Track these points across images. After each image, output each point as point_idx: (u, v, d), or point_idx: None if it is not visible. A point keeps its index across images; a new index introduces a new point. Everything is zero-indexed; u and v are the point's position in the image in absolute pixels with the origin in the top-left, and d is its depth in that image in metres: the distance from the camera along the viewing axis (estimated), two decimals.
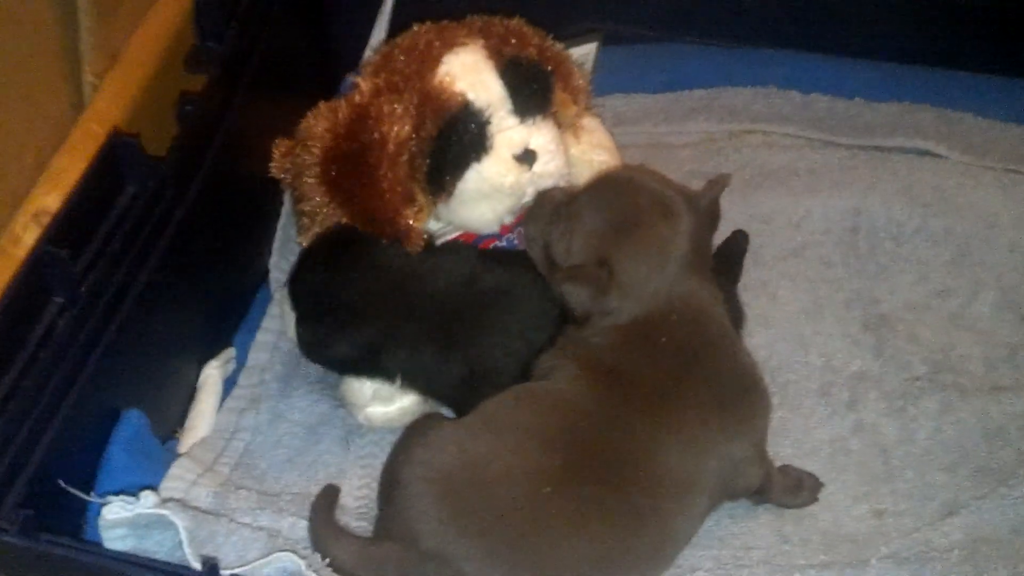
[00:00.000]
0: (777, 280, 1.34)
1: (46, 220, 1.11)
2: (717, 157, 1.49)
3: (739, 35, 1.62)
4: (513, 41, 1.22)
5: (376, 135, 1.14)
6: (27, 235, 1.11)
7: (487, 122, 1.17)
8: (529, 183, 1.19)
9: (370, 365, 1.15)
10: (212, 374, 1.23)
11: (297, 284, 1.17)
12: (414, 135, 1.15)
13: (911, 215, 1.39)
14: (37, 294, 0.98)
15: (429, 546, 0.97)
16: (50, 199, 1.14)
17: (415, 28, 1.24)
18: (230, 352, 1.28)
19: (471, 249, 1.19)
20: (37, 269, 0.97)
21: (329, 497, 1.05)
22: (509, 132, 1.18)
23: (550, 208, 1.13)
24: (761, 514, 1.14)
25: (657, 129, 1.55)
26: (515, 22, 1.26)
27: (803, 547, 1.11)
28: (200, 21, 1.27)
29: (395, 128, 1.14)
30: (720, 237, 1.36)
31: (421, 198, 1.17)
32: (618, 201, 1.08)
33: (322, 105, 1.24)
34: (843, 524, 1.13)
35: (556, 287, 1.07)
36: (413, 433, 1.05)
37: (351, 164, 1.15)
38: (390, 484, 1.03)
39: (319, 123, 1.20)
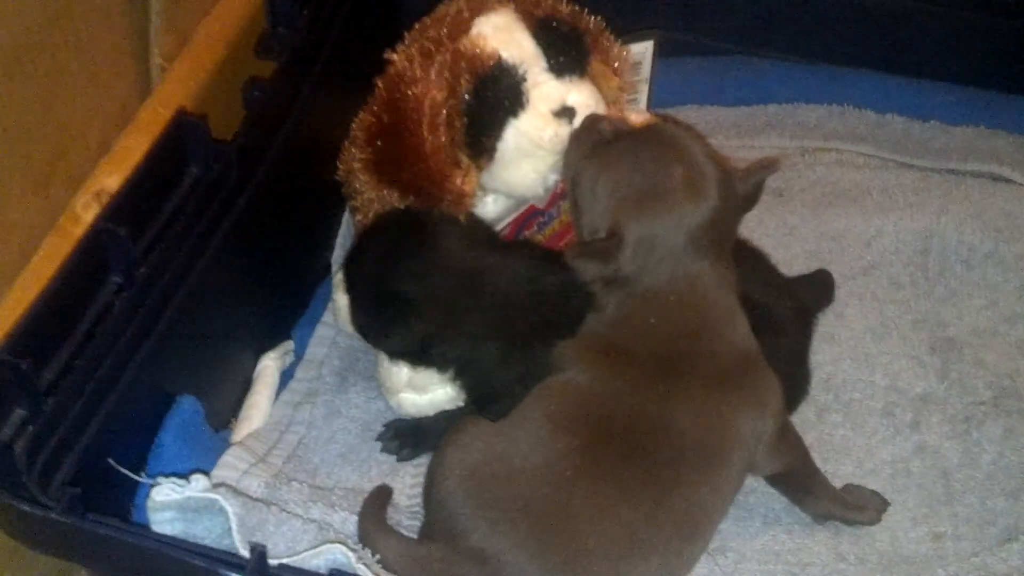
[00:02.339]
0: (845, 298, 1.32)
1: (107, 200, 1.12)
2: (790, 174, 1.47)
3: (816, 52, 1.60)
4: (544, 5, 1.22)
5: (412, 101, 1.13)
6: (87, 214, 1.11)
7: (522, 78, 1.15)
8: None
9: (424, 356, 1.14)
10: (269, 365, 1.23)
11: (353, 268, 1.16)
12: (450, 97, 1.14)
13: (983, 240, 1.36)
14: (95, 271, 0.98)
15: (467, 544, 0.96)
16: (112, 179, 1.14)
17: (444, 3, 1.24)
18: (288, 345, 1.29)
19: (535, 247, 1.18)
20: (95, 245, 0.97)
21: (381, 495, 1.05)
22: (545, 87, 1.16)
23: (592, 139, 1.10)
24: (818, 531, 1.11)
25: (729, 143, 1.53)
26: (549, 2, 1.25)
27: (860, 566, 1.08)
28: (272, 6, 1.27)
29: (430, 91, 1.13)
30: (790, 255, 1.36)
31: (465, 160, 1.16)
32: (653, 166, 1.04)
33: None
34: (901, 545, 1.10)
35: (567, 259, 1.05)
36: (449, 436, 1.04)
37: (392, 135, 1.15)
38: (428, 486, 1.03)
39: (363, 112, 1.22)
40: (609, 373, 1.02)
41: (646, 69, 1.39)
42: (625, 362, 1.02)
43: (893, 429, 1.20)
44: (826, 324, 1.29)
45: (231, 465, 1.07)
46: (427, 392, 1.18)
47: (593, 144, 1.09)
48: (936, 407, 1.22)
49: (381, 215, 1.18)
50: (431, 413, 1.18)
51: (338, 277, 1.27)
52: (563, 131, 1.14)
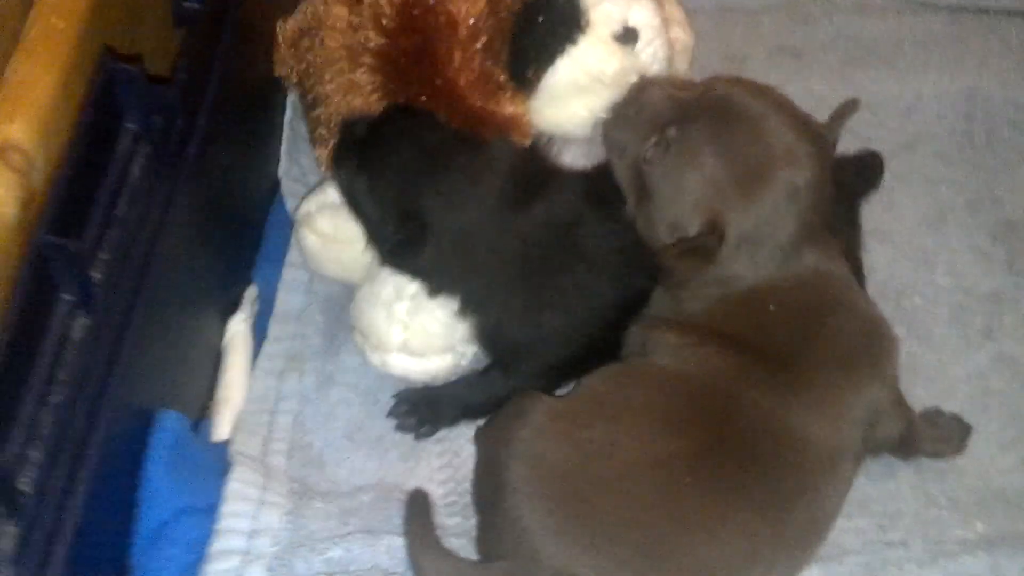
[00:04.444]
0: (891, 182, 1.17)
1: (17, 160, 0.88)
2: (805, 27, 1.30)
3: None
4: None
5: (442, 18, 0.92)
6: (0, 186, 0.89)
7: None
8: (633, 70, 0.98)
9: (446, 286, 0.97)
10: (239, 330, 1.04)
11: (367, 169, 0.96)
12: (490, 15, 0.93)
13: None
14: (45, 293, 0.77)
15: (552, 565, 0.80)
16: (15, 128, 0.89)
17: None
18: (252, 293, 1.08)
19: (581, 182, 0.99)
20: (42, 265, 0.75)
21: (421, 508, 0.88)
22: (606, 5, 0.97)
23: (650, 117, 0.93)
24: (901, 472, 1.00)
25: None
26: None
27: (953, 510, 0.97)
28: None
29: (465, 6, 0.92)
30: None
31: (510, 86, 0.95)
32: (745, 143, 0.89)
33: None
34: (992, 479, 1.00)
35: (662, 260, 0.90)
36: (511, 417, 0.87)
37: (416, 58, 0.93)
38: (492, 485, 0.85)
39: (337, 10, 0.99)
40: (719, 364, 0.87)
41: None
42: (736, 352, 0.88)
43: (964, 339, 1.08)
44: (875, 217, 1.14)
45: (241, 499, 0.88)
46: (424, 358, 1.01)
47: (653, 123, 0.92)
48: (1009, 306, 1.10)
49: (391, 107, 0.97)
50: (421, 382, 1.01)
51: (304, 211, 1.07)
52: (627, 63, 0.96)
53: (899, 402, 0.95)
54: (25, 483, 0.72)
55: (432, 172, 0.93)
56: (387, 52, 0.94)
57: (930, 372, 1.06)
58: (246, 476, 0.90)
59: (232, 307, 1.06)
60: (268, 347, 1.05)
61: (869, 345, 0.92)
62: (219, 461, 0.93)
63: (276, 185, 1.17)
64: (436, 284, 0.97)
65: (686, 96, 0.93)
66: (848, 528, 0.95)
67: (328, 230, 1.05)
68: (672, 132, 0.90)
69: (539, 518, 0.81)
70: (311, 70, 1.05)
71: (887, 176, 1.17)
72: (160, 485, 0.84)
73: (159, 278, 0.85)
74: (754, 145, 0.89)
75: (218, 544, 0.85)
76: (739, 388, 0.86)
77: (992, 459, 1.01)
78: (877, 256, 1.12)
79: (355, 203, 0.97)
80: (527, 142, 0.95)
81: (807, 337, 0.89)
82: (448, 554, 0.85)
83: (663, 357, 0.89)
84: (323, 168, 1.07)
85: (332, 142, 1.01)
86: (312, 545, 0.86)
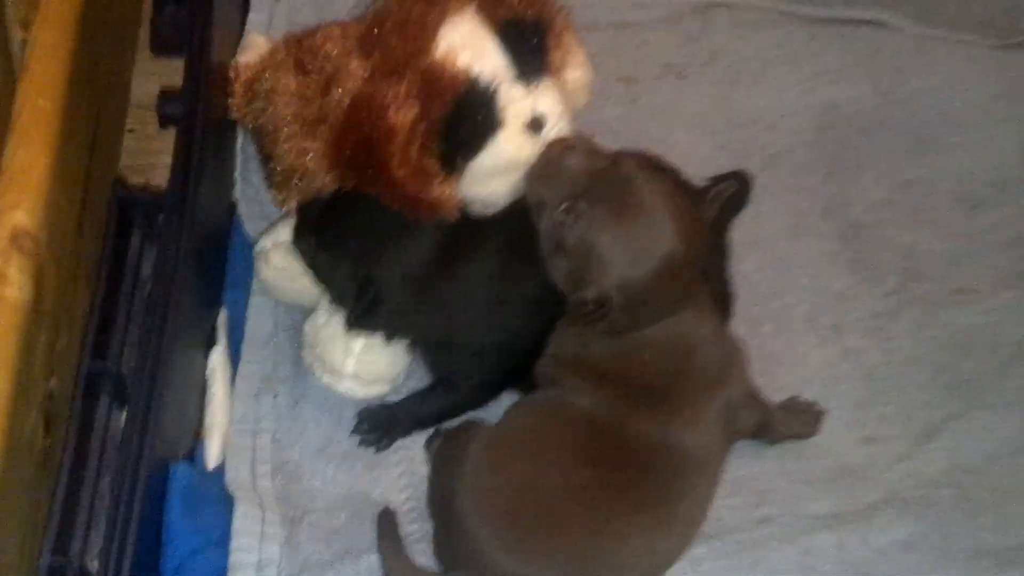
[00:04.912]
0: (760, 194, 1.36)
1: (28, 244, 1.03)
2: (688, 45, 1.47)
3: None
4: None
5: (383, 125, 1.07)
6: (11, 267, 1.01)
7: (495, 95, 1.10)
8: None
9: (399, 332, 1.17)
10: (220, 363, 1.20)
11: (320, 249, 1.14)
12: (422, 119, 1.08)
13: (875, 106, 1.43)
14: (90, 410, 0.93)
15: (501, 571, 1.04)
16: (21, 214, 1.04)
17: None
18: (223, 318, 1.24)
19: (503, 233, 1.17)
20: (91, 386, 0.91)
21: (390, 527, 1.09)
22: (518, 103, 1.12)
23: (566, 182, 1.09)
24: (767, 455, 1.22)
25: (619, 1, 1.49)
26: None
27: (808, 486, 1.21)
28: None
29: (402, 114, 1.07)
30: (704, 150, 1.38)
31: (440, 172, 1.11)
32: (637, 226, 1.06)
33: (278, 50, 1.18)
34: (840, 455, 1.23)
35: (564, 326, 1.11)
36: (456, 452, 1.09)
37: (361, 154, 1.09)
38: (445, 511, 1.08)
39: (286, 80, 1.14)
40: (612, 402, 1.07)
41: None
42: (625, 391, 1.08)
43: (817, 335, 1.30)
44: (745, 228, 1.34)
45: (246, 534, 1.07)
46: (370, 386, 1.20)
47: (571, 187, 1.07)
48: (853, 304, 1.32)
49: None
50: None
51: (259, 248, 1.22)
52: (536, 145, 1.11)
53: (752, 396, 1.17)
54: (92, 559, 0.90)
55: (378, 249, 1.11)
56: (336, 145, 1.10)
57: (791, 363, 1.28)
58: (246, 511, 1.09)
59: (210, 336, 1.21)
60: (243, 369, 1.22)
61: (720, 367, 1.12)
62: (223, 490, 1.11)
63: (232, 207, 1.31)
64: (390, 334, 1.16)
65: (598, 167, 1.09)
66: (728, 506, 1.18)
67: (283, 265, 1.21)
68: (582, 205, 1.07)
69: (487, 535, 1.04)
70: (266, 126, 1.18)
71: (757, 189, 1.35)
72: (178, 528, 1.03)
73: (170, 345, 1.02)
74: (644, 228, 1.05)
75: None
76: (630, 420, 1.07)
77: (840, 438, 1.24)
78: (748, 263, 1.32)
79: (316, 275, 1.15)
80: (454, 217, 1.11)
81: (678, 374, 1.10)
82: (417, 568, 1.07)
83: (569, 394, 1.09)
84: (278, 206, 1.22)
85: (289, 202, 1.16)
86: (308, 570, 1.07)
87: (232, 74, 1.21)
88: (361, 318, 1.13)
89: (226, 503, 1.10)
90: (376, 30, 1.12)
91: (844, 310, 1.32)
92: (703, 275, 1.16)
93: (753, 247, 1.34)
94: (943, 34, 1.49)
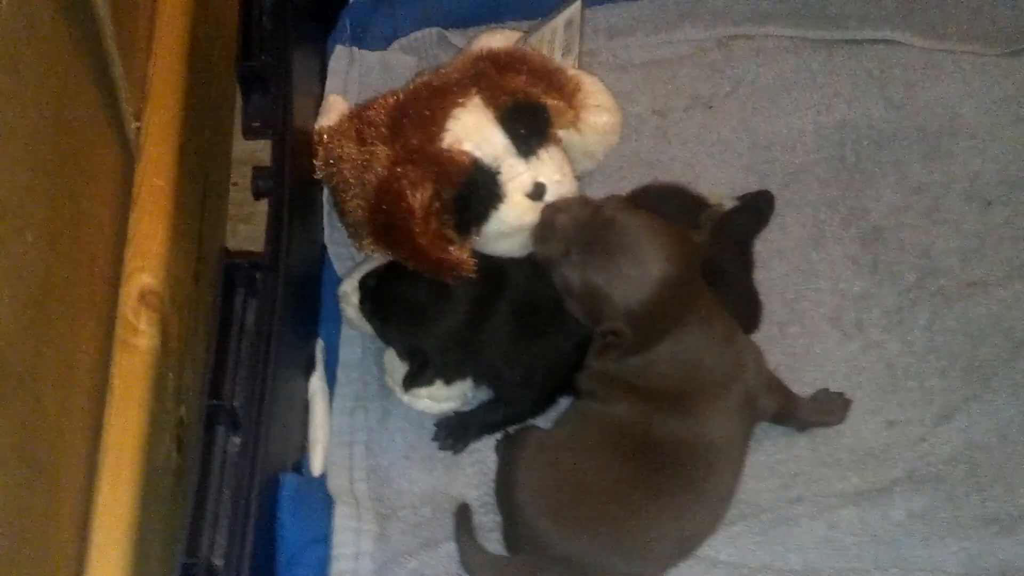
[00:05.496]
0: (783, 209, 1.52)
1: (154, 300, 1.23)
2: (714, 77, 1.63)
3: None
4: (506, 82, 1.34)
5: (403, 206, 1.26)
6: (141, 321, 1.21)
7: (497, 174, 1.30)
8: None
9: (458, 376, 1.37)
10: (319, 386, 1.40)
11: (383, 318, 1.35)
12: (435, 199, 1.27)
13: (888, 119, 1.56)
14: (212, 436, 1.15)
15: (555, 552, 1.22)
16: (147, 276, 1.24)
17: (413, 85, 1.38)
18: (320, 347, 1.45)
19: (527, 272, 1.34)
20: (210, 418, 1.12)
21: (465, 519, 1.29)
22: (519, 178, 1.31)
23: (560, 238, 1.24)
24: (799, 441, 1.38)
25: (649, 40, 1.66)
26: (503, 52, 1.39)
27: (836, 467, 1.36)
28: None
29: (418, 197, 1.26)
30: (731, 172, 1.54)
31: (457, 239, 1.31)
32: (627, 261, 1.20)
33: (344, 120, 1.39)
34: (864, 439, 1.38)
35: (590, 362, 1.25)
36: (515, 454, 1.28)
37: (387, 230, 1.29)
38: (507, 504, 1.27)
39: (348, 149, 1.35)
40: (644, 408, 1.25)
41: (576, 26, 1.51)
42: (654, 400, 1.25)
43: (841, 332, 1.45)
44: (771, 239, 1.50)
45: (345, 530, 1.28)
46: (445, 404, 1.40)
47: (564, 244, 1.23)
48: (873, 302, 1.47)
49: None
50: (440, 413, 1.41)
51: (342, 290, 1.42)
52: (538, 209, 1.30)
53: (771, 383, 1.33)
54: (218, 558, 1.11)
55: (418, 321, 1.31)
56: (369, 219, 1.31)
57: (818, 359, 1.43)
58: (345, 511, 1.30)
59: (310, 363, 1.42)
60: (339, 390, 1.42)
61: (732, 365, 1.28)
62: (326, 494, 1.32)
63: (323, 250, 1.51)
64: (449, 380, 1.37)
65: (584, 216, 1.24)
66: (762, 489, 1.34)
67: (352, 312, 1.40)
68: (575, 255, 1.23)
69: (541, 522, 1.23)
70: (338, 185, 1.38)
71: (781, 204, 1.51)
72: (289, 528, 1.24)
73: (271, 382, 1.22)
74: (633, 261, 1.19)
75: (335, 567, 1.27)
76: (656, 422, 1.25)
77: (864, 423, 1.39)
78: (774, 271, 1.48)
79: (379, 337, 1.37)
80: (472, 274, 1.29)
81: (692, 378, 1.25)
82: (487, 553, 1.26)
83: (604, 403, 1.27)
84: (358, 251, 1.42)
85: (364, 248, 1.37)
86: (397, 560, 1.27)
87: (315, 138, 1.42)
88: (415, 380, 1.34)
89: (328, 505, 1.31)
90: (400, 119, 1.32)
91: (865, 308, 1.46)
92: (726, 285, 1.33)
93: (779, 256, 1.49)
94: (951, 47, 1.61)
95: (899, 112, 1.57)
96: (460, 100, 1.31)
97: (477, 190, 1.28)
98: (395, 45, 1.70)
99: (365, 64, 1.66)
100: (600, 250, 1.20)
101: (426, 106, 1.32)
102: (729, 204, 1.46)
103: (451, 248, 1.27)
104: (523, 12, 1.68)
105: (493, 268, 1.31)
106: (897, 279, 1.48)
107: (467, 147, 1.29)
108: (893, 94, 1.58)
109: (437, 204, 1.27)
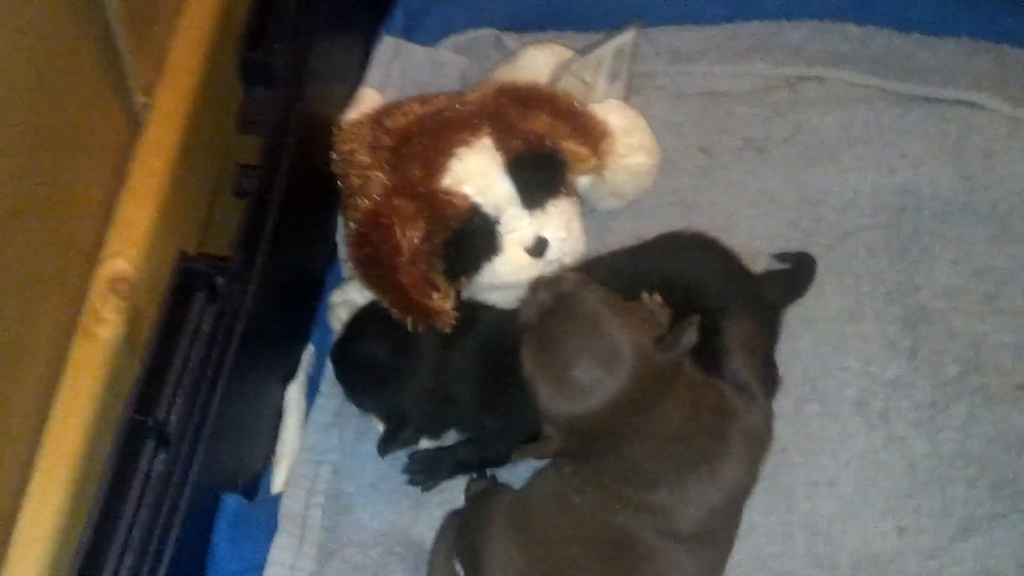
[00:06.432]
0: (824, 274, 1.38)
1: (124, 288, 1.16)
2: (773, 119, 1.50)
3: None
4: (523, 123, 1.23)
5: (391, 242, 1.18)
6: (106, 310, 1.15)
7: (496, 223, 1.21)
8: (544, 268, 1.24)
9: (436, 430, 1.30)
10: (295, 397, 1.33)
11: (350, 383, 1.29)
12: (426, 240, 1.19)
13: (957, 191, 1.43)
14: (129, 460, 1.07)
15: None
16: (122, 261, 1.18)
17: (426, 109, 1.27)
18: (309, 352, 1.37)
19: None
20: (131, 440, 1.06)
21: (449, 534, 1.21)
22: (519, 231, 1.22)
23: (534, 313, 1.09)
24: (797, 535, 1.26)
25: (712, 69, 1.54)
26: (527, 88, 1.29)
27: (833, 571, 1.24)
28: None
29: (407, 235, 1.18)
30: (772, 226, 1.41)
31: (444, 284, 1.22)
32: (563, 365, 1.03)
33: (363, 123, 1.30)
34: (871, 542, 1.26)
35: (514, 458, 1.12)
36: (490, 508, 1.18)
37: (371, 262, 1.21)
38: (475, 559, 1.17)
39: (360, 155, 1.27)
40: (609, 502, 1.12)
41: (626, 55, 1.40)
42: (619, 498, 1.12)
43: (864, 419, 1.32)
44: (806, 305, 1.37)
45: (276, 562, 1.21)
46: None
47: (540, 315, 1.07)
48: (905, 392, 1.33)
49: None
50: None
51: (330, 300, 1.36)
52: (537, 267, 1.20)
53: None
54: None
55: (390, 379, 1.24)
56: (355, 245, 1.22)
57: (831, 445, 1.30)
58: (284, 543, 1.22)
59: (290, 371, 1.34)
60: (320, 402, 1.34)
61: (711, 442, 1.11)
62: (274, 517, 1.25)
63: (335, 249, 1.42)
64: (434, 434, 1.30)
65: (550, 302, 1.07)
66: None
67: (341, 324, 1.33)
68: (530, 341, 1.06)
69: None
70: (345, 187, 1.30)
71: (822, 268, 1.38)
72: (222, 553, 1.16)
73: (226, 395, 1.15)
74: (573, 372, 1.02)
75: None
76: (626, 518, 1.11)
77: (873, 525, 1.26)
78: (803, 341, 1.35)
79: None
80: (448, 328, 1.20)
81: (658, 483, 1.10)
82: None
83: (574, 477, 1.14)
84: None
85: None
86: None
87: (335, 130, 1.33)
88: (391, 443, 1.26)
89: (273, 531, 1.23)
90: (404, 147, 1.23)
91: (895, 397, 1.33)
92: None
93: (810, 326, 1.36)
94: None
95: (970, 184, 1.43)
96: (469, 138, 1.22)
97: (471, 238, 1.20)
98: (447, 42, 1.61)
99: (411, 59, 1.57)
100: (545, 344, 1.04)
101: (432, 139, 1.23)
102: (763, 262, 1.34)
103: (434, 295, 1.19)
104: (585, 23, 1.57)
105: (463, 309, 1.23)
106: (937, 370, 1.35)
107: (467, 190, 1.20)
108: (967, 163, 1.44)
109: (427, 246, 1.18)
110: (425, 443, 1.31)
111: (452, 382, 1.23)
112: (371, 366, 1.24)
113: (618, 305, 1.06)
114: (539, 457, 1.14)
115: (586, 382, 1.02)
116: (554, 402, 1.04)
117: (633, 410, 1.04)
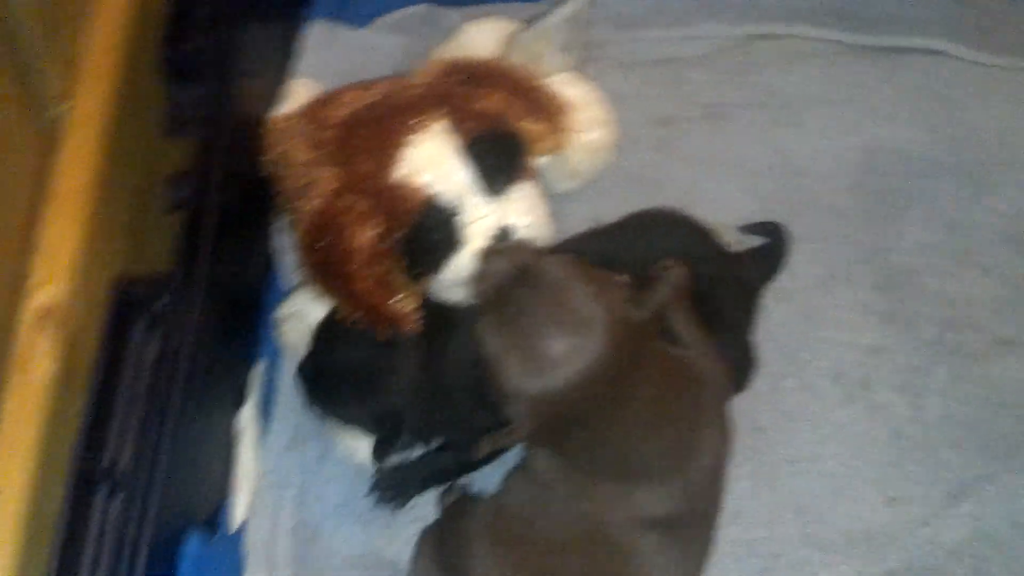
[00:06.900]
0: (793, 242, 1.33)
1: (57, 320, 1.07)
2: (733, 81, 1.44)
3: None
4: (477, 103, 1.16)
5: (343, 246, 1.11)
6: (39, 345, 1.06)
7: (456, 215, 1.13)
8: None
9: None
10: (249, 423, 1.26)
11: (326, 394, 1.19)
12: (382, 237, 1.11)
13: (923, 144, 1.38)
14: (81, 512, 1.00)
15: None
16: (49, 292, 1.08)
17: (370, 96, 1.18)
18: (259, 371, 1.30)
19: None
20: (78, 491, 0.99)
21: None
22: (481, 221, 1.14)
23: (488, 286, 1.01)
24: (787, 516, 1.22)
25: (667, 33, 1.48)
26: (479, 66, 1.21)
27: (824, 552, 1.20)
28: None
29: (360, 236, 1.10)
30: (739, 195, 1.36)
31: (404, 286, 1.14)
32: (530, 341, 0.95)
33: (295, 117, 1.22)
34: (861, 515, 1.21)
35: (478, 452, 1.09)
36: (467, 524, 1.12)
37: (324, 268, 1.14)
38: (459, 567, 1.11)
39: (295, 152, 1.18)
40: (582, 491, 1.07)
41: (581, 23, 1.33)
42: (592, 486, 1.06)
43: (843, 390, 1.27)
44: (778, 279, 1.32)
45: None
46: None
47: (488, 293, 0.99)
48: (884, 358, 1.29)
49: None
50: None
51: (276, 315, 1.29)
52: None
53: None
54: None
55: (379, 378, 1.15)
56: (305, 250, 1.15)
57: (812, 420, 1.25)
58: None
59: (239, 396, 1.27)
60: (276, 424, 1.27)
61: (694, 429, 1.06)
62: (239, 552, 1.18)
63: (270, 259, 1.35)
64: (427, 439, 1.21)
65: (518, 268, 0.99)
66: (736, 569, 1.19)
67: (295, 337, 1.25)
68: (488, 317, 0.98)
69: None
70: (284, 189, 1.23)
71: (792, 237, 1.33)
72: None
73: (176, 432, 1.08)
74: (542, 345, 0.94)
75: None
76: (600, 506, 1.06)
77: (863, 499, 1.22)
78: (777, 315, 1.29)
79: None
80: (415, 331, 1.12)
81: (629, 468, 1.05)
82: None
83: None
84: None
85: None
86: None
87: (264, 129, 1.26)
88: (388, 446, 1.18)
89: (240, 569, 1.17)
90: (350, 139, 1.15)
91: (874, 365, 1.29)
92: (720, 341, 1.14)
93: (781, 297, 1.31)
94: (1004, 62, 1.42)
95: (936, 136, 1.38)
96: (420, 123, 1.13)
97: (430, 233, 1.12)
98: (380, 23, 1.53)
99: (344, 43, 1.49)
100: (509, 318, 0.96)
101: (381, 127, 1.14)
102: (732, 235, 1.28)
103: (394, 299, 1.11)
104: None
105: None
106: (915, 332, 1.30)
107: (423, 181, 1.12)
108: (931, 115, 1.39)
109: (383, 245, 1.10)
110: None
111: (445, 372, 1.15)
112: (351, 372, 1.15)
113: (583, 269, 0.98)
114: (508, 445, 1.08)
115: (559, 353, 0.93)
116: (524, 380, 0.95)
117: (608, 384, 0.96)
